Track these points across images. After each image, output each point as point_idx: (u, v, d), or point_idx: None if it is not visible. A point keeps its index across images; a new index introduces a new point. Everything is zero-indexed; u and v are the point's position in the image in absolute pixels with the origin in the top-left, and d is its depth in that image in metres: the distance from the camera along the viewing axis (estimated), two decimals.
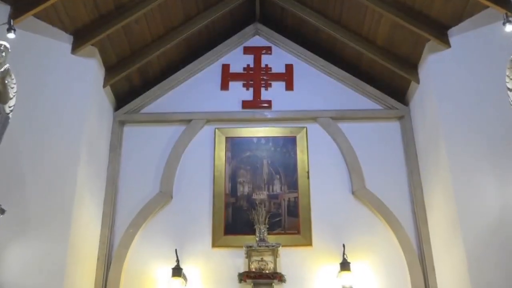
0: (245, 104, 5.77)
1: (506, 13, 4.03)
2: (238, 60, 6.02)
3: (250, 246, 4.95)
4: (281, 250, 4.99)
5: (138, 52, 5.51)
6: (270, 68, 5.99)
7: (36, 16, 4.65)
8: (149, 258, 5.09)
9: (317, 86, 5.85)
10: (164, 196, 5.34)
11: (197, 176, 5.45)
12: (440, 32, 4.93)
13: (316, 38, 6.01)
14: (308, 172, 5.41)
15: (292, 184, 5.38)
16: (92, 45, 5.02)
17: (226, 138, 5.58)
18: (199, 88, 5.86)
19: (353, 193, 5.33)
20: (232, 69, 5.97)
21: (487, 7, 4.52)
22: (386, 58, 5.48)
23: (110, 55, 5.32)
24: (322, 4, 5.57)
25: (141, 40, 5.46)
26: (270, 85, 5.89)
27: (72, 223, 4.47)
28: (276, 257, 4.95)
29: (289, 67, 5.97)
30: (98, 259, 5.01)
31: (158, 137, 5.61)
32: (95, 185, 5.09)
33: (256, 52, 6.08)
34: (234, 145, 5.57)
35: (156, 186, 5.39)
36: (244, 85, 5.90)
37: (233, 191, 5.38)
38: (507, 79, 3.80)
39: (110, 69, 5.41)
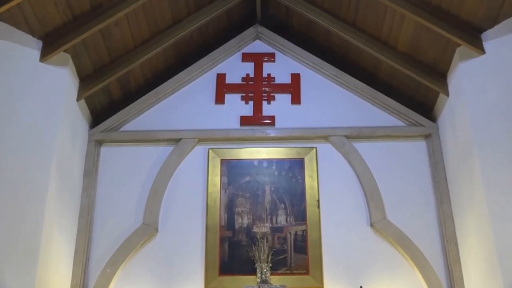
0: (244, 120, 5.77)
1: None
2: (236, 69, 6.03)
3: None
4: None
5: (119, 59, 5.51)
6: (273, 78, 5.99)
7: None
8: None
9: (328, 99, 5.85)
10: (148, 229, 5.32)
11: (187, 206, 5.43)
12: (473, 35, 4.93)
13: (327, 43, 6.01)
14: (318, 201, 5.39)
15: (300, 214, 5.36)
16: (64, 51, 5.01)
17: (222, 160, 5.57)
18: (189, 102, 5.86)
19: (371, 225, 5.31)
20: (229, 79, 5.98)
21: None
22: (409, 66, 5.47)
23: (85, 63, 5.32)
24: (334, 3, 5.58)
25: (122, 46, 5.46)
26: (273, 98, 5.89)
27: (39, 262, 4.42)
28: None
29: (295, 77, 5.98)
30: None
31: (142, 160, 5.61)
32: (66, 217, 5.06)
33: (257, 59, 6.09)
34: (231, 168, 5.56)
35: (139, 218, 5.37)
36: (242, 98, 5.90)
37: (230, 223, 5.35)
38: None
39: (85, 80, 5.41)
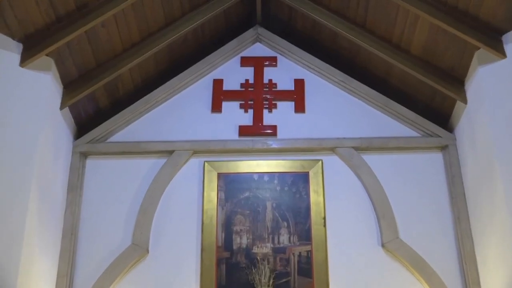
0: (243, 131, 5.77)
1: None
2: (234, 74, 6.04)
3: None
4: None
5: (106, 64, 5.51)
6: (275, 84, 6.00)
7: None
8: None
9: (335, 107, 5.86)
10: (138, 249, 5.30)
11: (181, 224, 5.42)
12: (493, 38, 4.93)
13: (334, 46, 6.03)
14: (324, 219, 5.38)
15: (304, 234, 5.35)
16: (46, 55, 5.01)
17: (219, 174, 5.56)
18: (183, 110, 5.87)
19: (383, 245, 5.29)
20: (227, 86, 5.99)
21: None
22: (424, 71, 5.48)
23: (69, 68, 5.32)
24: (342, 3, 5.60)
25: (109, 49, 5.47)
26: (275, 106, 5.90)
27: (18, 287, 4.39)
28: None
29: (299, 83, 5.99)
30: None
31: (131, 174, 5.60)
32: (48, 237, 5.03)
33: (257, 63, 6.11)
34: (229, 183, 5.56)
35: (128, 237, 5.35)
36: (241, 106, 5.90)
37: (228, 243, 5.34)
38: None
39: (70, 86, 5.41)
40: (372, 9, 5.46)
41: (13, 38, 4.90)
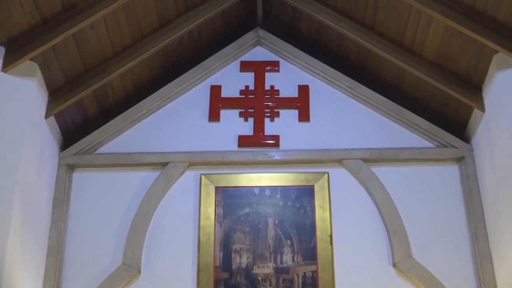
0: (243, 141, 5.77)
1: None
2: (233, 80, 6.06)
3: None
4: None
5: (95, 69, 5.51)
6: (277, 90, 6.01)
7: None
8: None
9: (342, 115, 5.87)
10: (129, 270, 5.28)
11: (176, 242, 5.41)
12: None
13: (341, 50, 6.04)
14: (331, 236, 5.37)
15: (309, 253, 5.34)
16: (30, 59, 5.01)
17: (216, 188, 5.56)
18: (178, 119, 5.88)
19: (394, 265, 5.28)
20: (225, 92, 5.99)
21: None
22: (438, 76, 5.48)
23: (55, 74, 5.32)
24: (349, 3, 5.61)
25: (98, 53, 5.47)
26: (277, 114, 5.91)
27: None
28: None
29: (303, 90, 6.00)
30: None
31: (122, 188, 5.60)
32: (32, 256, 5.02)
33: (258, 68, 6.12)
34: (228, 197, 5.56)
35: (118, 256, 5.34)
36: (241, 115, 5.91)
37: (226, 263, 5.33)
38: None
39: (56, 93, 5.41)
40: (382, 10, 5.47)
41: None
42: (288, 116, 5.90)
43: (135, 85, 5.96)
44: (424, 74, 5.50)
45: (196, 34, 6.01)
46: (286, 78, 6.05)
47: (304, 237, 5.39)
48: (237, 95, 6.00)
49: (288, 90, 6.00)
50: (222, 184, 5.59)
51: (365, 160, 5.63)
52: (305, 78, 6.05)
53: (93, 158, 5.69)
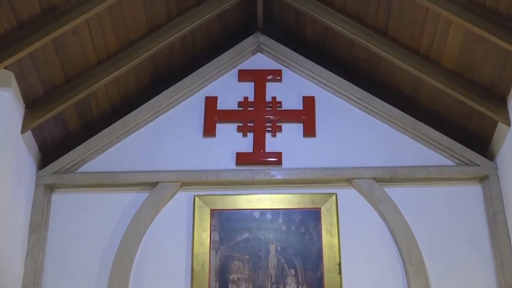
0: (241, 159, 5.78)
1: None
2: (231, 91, 6.08)
3: None
4: None
5: (77, 79, 5.51)
6: (280, 102, 6.03)
7: None
8: None
9: (352, 130, 5.88)
10: None
11: (167, 271, 5.41)
12: None
13: (350, 57, 6.06)
14: (339, 265, 5.37)
15: (315, 283, 5.34)
16: (5, 68, 5.01)
17: (212, 211, 5.56)
18: (170, 134, 5.89)
19: None
20: (222, 105, 6.01)
21: None
22: (458, 86, 5.49)
23: (33, 84, 5.32)
24: (359, 6, 5.62)
25: (81, 61, 5.48)
26: (279, 128, 5.91)
27: None
28: None
29: (308, 101, 6.02)
30: None
31: (106, 211, 5.59)
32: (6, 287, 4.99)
33: (259, 78, 6.14)
34: (224, 221, 5.56)
35: (103, 287, 5.33)
36: (239, 129, 5.92)
37: None
38: None
39: (33, 105, 5.41)
40: (396, 13, 5.47)
41: None
42: (292, 130, 5.91)
43: (121, 97, 5.96)
44: (443, 84, 5.49)
45: (189, 40, 6.02)
46: (290, 89, 6.07)
47: (310, 266, 5.38)
48: (235, 107, 6.01)
49: (291, 102, 6.02)
50: (218, 206, 5.59)
51: (377, 180, 5.63)
52: (311, 88, 6.06)
53: (74, 178, 5.69)
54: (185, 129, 5.91)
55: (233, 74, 6.15)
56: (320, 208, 5.57)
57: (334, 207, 5.56)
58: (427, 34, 5.43)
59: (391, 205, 5.55)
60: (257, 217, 5.57)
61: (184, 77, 6.04)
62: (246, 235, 5.51)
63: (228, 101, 6.02)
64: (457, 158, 5.70)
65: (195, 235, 5.48)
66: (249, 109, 5.99)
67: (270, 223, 5.54)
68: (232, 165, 5.76)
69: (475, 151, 5.70)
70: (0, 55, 4.91)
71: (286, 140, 5.87)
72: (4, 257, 4.97)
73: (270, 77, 6.12)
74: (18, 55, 4.94)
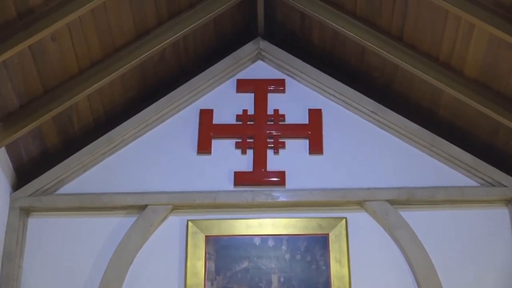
0: (240, 178, 5.78)
1: None
2: (228, 103, 6.09)
3: None
4: None
5: (56, 89, 5.50)
6: (283, 115, 6.03)
7: None
8: None
9: (364, 146, 5.89)
10: None
11: None
12: None
13: (362, 66, 6.08)
14: None
15: None
16: None
17: (207, 237, 5.55)
18: (160, 151, 5.90)
19: None
20: (218, 118, 6.02)
21: None
22: (482, 98, 5.48)
23: (7, 96, 5.29)
24: (372, 9, 5.61)
25: (61, 70, 5.47)
26: (282, 145, 5.91)
27: None
28: None
29: (314, 114, 6.03)
30: None
31: (88, 236, 5.59)
32: None
33: (259, 88, 6.15)
34: (221, 249, 5.55)
35: None
36: (237, 146, 5.92)
37: None
38: None
39: (8, 119, 5.38)
40: (412, 16, 5.46)
41: None
42: (296, 147, 5.92)
43: (106, 110, 5.96)
44: (465, 96, 5.49)
45: (181, 46, 6.02)
46: (294, 101, 6.08)
47: None
48: (232, 121, 6.02)
49: (296, 115, 6.02)
50: (214, 232, 5.59)
51: (392, 202, 5.62)
52: (317, 100, 6.07)
53: (53, 200, 5.68)
54: (177, 146, 5.91)
55: (230, 84, 6.16)
56: (328, 234, 5.57)
57: (344, 233, 5.56)
58: (447, 39, 5.42)
59: (407, 230, 5.54)
60: (257, 244, 5.56)
61: (176, 88, 6.06)
62: (245, 264, 5.50)
63: (225, 115, 6.03)
64: (482, 178, 5.70)
65: (188, 264, 5.46)
66: (248, 123, 5.99)
67: (272, 251, 5.53)
68: (229, 186, 5.76)
69: (501, 170, 5.70)
70: None
71: (290, 158, 5.87)
72: None
73: (272, 87, 6.13)
74: None
